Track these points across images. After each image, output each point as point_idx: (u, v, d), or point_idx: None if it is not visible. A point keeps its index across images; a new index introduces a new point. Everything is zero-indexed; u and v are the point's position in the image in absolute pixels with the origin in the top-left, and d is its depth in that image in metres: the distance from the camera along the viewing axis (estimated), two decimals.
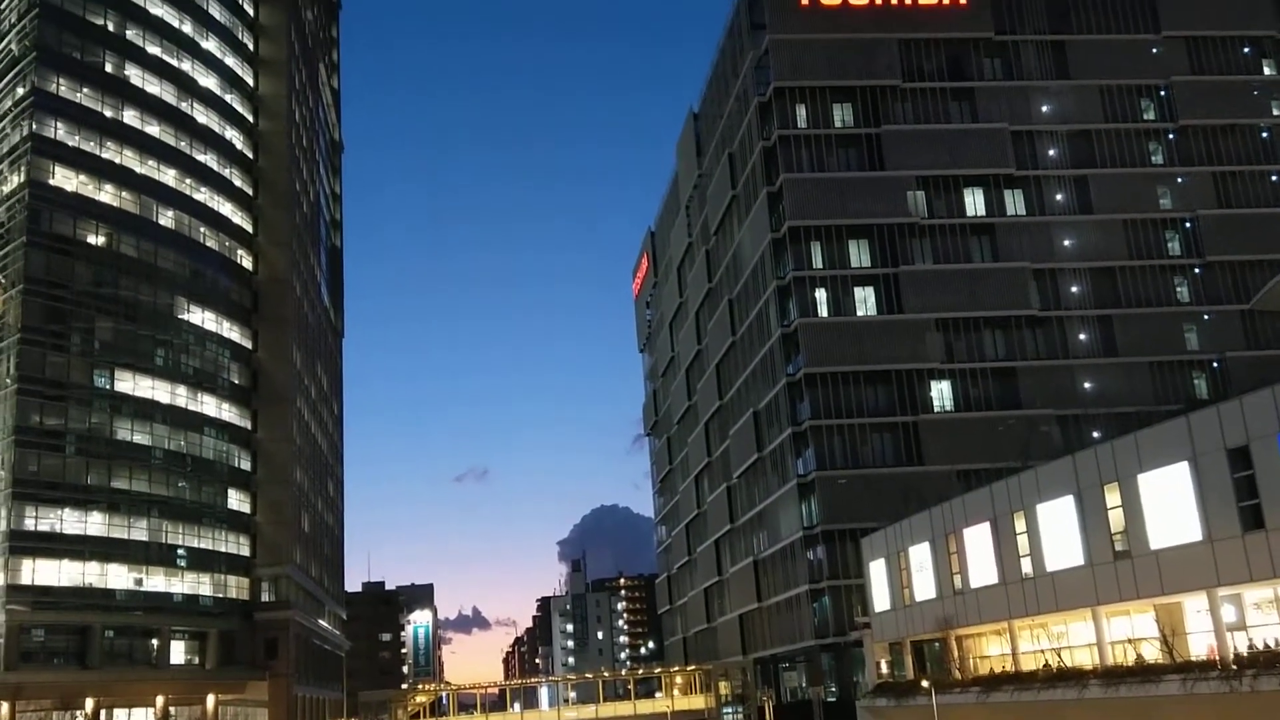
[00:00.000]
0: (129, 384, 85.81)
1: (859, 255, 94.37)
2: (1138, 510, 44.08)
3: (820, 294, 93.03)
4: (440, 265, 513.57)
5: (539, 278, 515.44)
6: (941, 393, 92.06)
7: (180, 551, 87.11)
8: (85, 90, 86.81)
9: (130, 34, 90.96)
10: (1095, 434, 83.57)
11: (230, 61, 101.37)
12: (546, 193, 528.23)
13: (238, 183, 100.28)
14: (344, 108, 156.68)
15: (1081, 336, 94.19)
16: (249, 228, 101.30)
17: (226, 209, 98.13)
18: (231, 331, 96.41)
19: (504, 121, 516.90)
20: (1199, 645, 42.83)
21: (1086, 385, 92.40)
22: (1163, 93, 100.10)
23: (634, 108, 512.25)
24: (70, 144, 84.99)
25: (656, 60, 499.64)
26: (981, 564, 55.23)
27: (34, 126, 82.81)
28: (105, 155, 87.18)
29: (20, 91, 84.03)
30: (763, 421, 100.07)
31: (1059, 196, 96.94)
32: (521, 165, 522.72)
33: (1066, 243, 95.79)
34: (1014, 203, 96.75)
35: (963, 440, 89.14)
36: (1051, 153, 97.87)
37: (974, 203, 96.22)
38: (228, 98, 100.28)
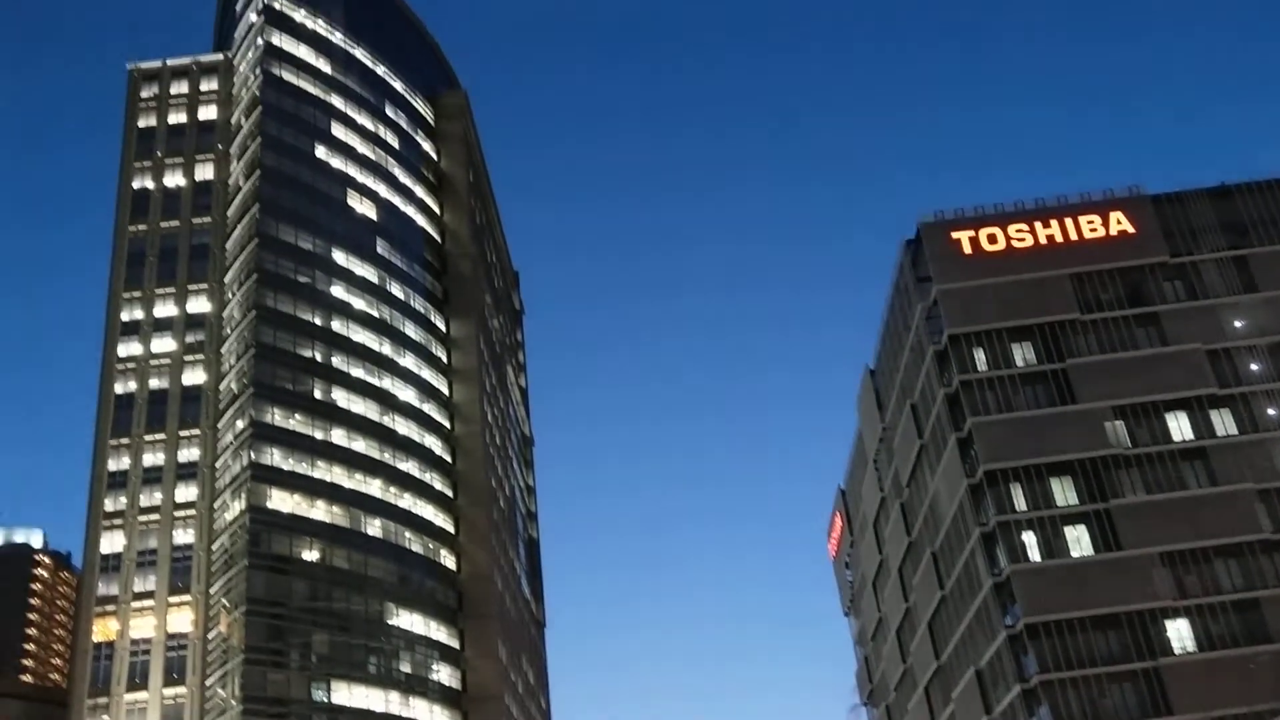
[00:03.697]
0: (344, 695, 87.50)
1: (1064, 493, 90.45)
2: None
3: (1028, 537, 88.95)
4: (634, 547, 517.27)
5: (733, 551, 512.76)
6: (1180, 633, 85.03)
7: None
8: (297, 417, 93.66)
9: (335, 361, 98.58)
10: None
11: (426, 374, 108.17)
12: (733, 464, 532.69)
13: (438, 486, 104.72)
14: (532, 402, 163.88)
15: None
16: (450, 528, 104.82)
17: (428, 512, 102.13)
18: (439, 632, 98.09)
19: (682, 399, 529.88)
20: None
21: None
22: None
23: (809, 370, 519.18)
24: (285, 468, 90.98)
25: (827, 316, 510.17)
26: None
27: (253, 456, 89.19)
28: (316, 474, 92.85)
29: (240, 425, 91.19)
30: (987, 681, 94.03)
31: (1271, 411, 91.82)
32: (706, 438, 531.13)
33: None
34: (1223, 423, 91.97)
35: (1213, 683, 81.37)
36: (1254, 368, 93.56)
37: (1179, 427, 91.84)
38: (425, 408, 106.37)
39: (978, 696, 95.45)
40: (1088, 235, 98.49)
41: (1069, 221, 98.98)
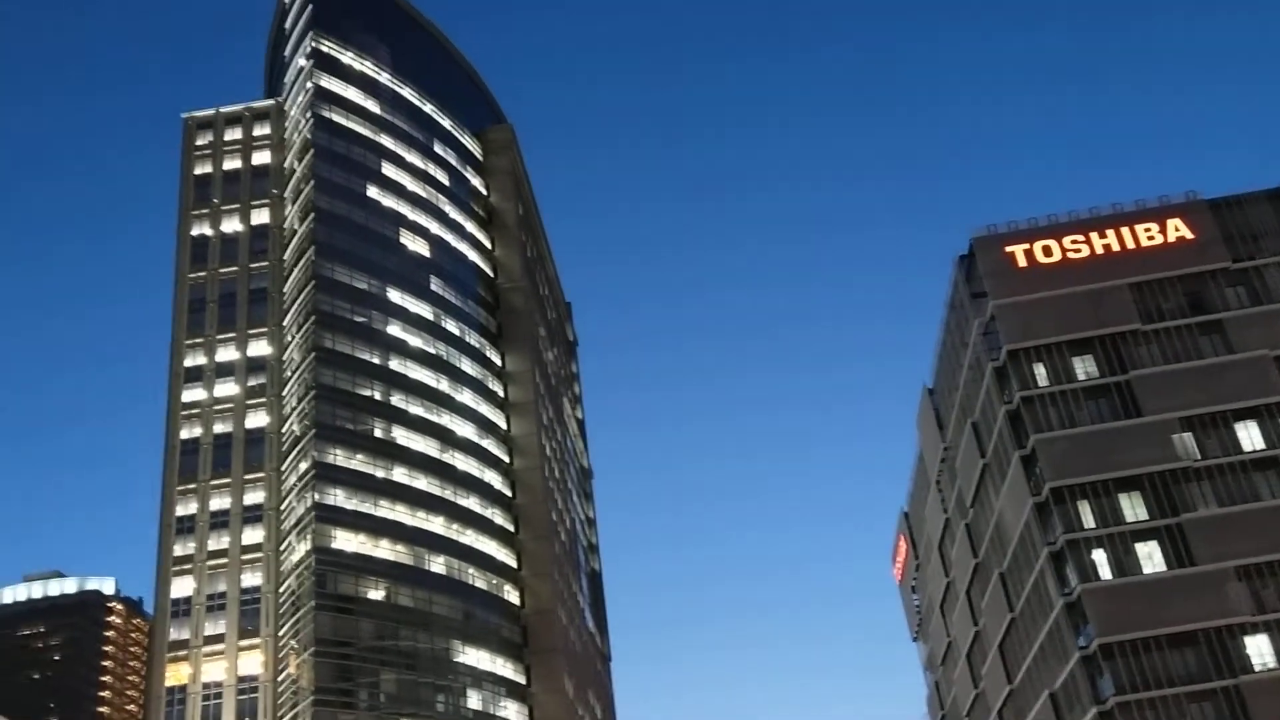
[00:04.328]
0: None
1: (1133, 509, 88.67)
2: None
3: (1098, 555, 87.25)
4: (695, 571, 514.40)
5: (797, 571, 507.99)
6: (1260, 649, 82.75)
7: None
8: (359, 457, 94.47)
9: (395, 399, 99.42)
10: None
11: (484, 409, 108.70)
12: (796, 491, 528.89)
13: (499, 521, 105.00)
14: (590, 435, 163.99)
15: None
16: (513, 563, 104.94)
17: (490, 547, 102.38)
18: (505, 668, 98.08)
19: (736, 435, 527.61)
20: None
21: None
22: None
23: (869, 395, 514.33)
24: (349, 508, 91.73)
25: (886, 340, 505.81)
26: None
27: (317, 497, 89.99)
28: (379, 513, 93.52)
29: (303, 467, 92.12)
30: (1061, 704, 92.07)
31: None
32: (766, 466, 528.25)
33: None
34: None
35: None
36: None
37: (1249, 437, 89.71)
38: (484, 443, 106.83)
39: None
40: (1145, 243, 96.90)
41: (1125, 230, 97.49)
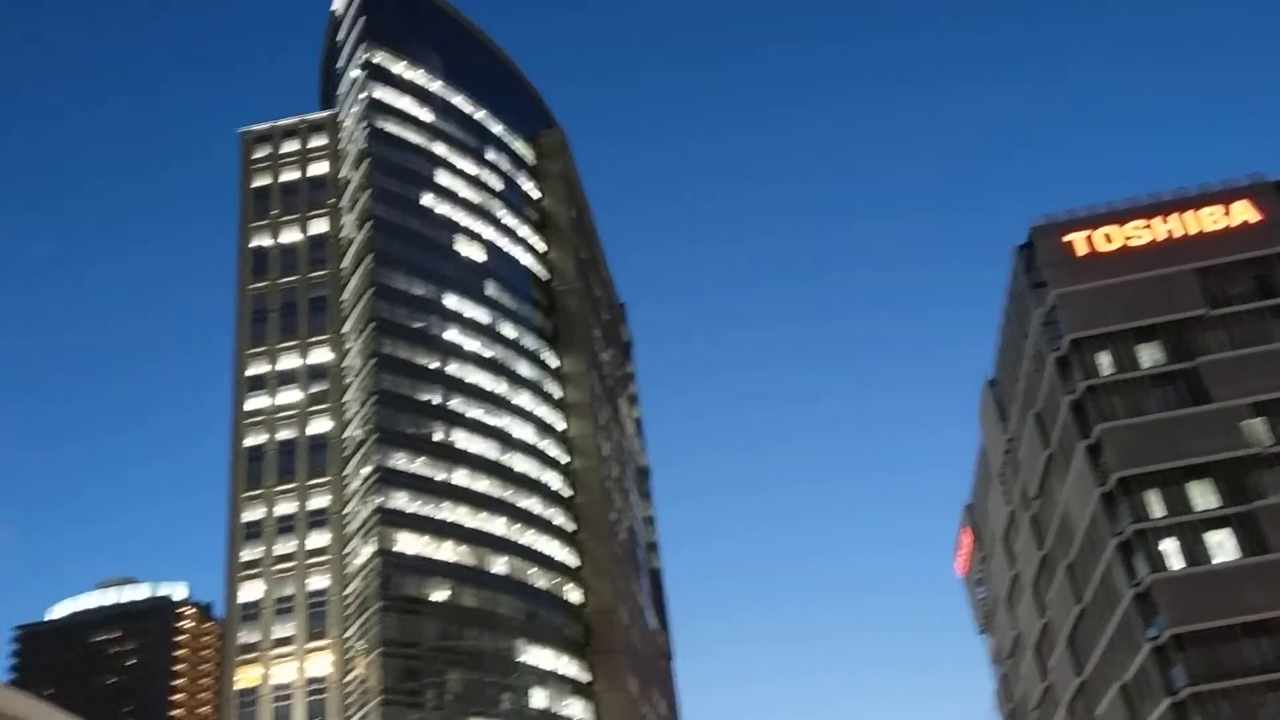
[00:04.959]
0: None
1: (1203, 497, 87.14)
2: None
3: (1168, 544, 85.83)
4: (757, 565, 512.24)
5: (860, 560, 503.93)
6: None
7: None
8: (420, 460, 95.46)
9: (453, 403, 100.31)
10: None
11: (541, 411, 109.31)
12: (857, 485, 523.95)
13: (558, 521, 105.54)
14: (647, 432, 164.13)
15: None
16: (574, 563, 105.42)
17: (551, 548, 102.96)
18: (569, 667, 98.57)
19: (795, 421, 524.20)
20: None
21: None
22: None
23: (930, 388, 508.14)
24: (411, 510, 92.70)
25: (945, 333, 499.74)
26: None
27: (380, 500, 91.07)
28: (441, 515, 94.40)
29: (366, 471, 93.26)
30: (1133, 695, 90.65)
31: None
32: (825, 462, 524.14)
33: None
34: None
35: None
36: None
37: None
38: (542, 444, 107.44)
39: (1124, 713, 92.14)
40: (1209, 228, 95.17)
41: (1189, 215, 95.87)
